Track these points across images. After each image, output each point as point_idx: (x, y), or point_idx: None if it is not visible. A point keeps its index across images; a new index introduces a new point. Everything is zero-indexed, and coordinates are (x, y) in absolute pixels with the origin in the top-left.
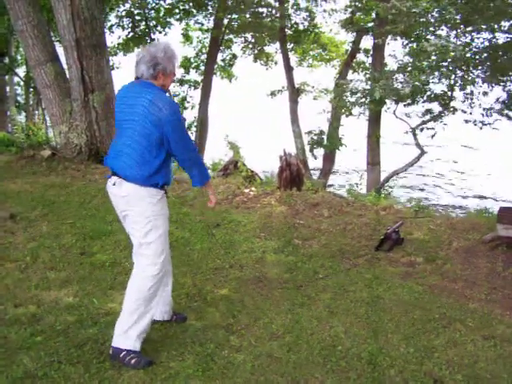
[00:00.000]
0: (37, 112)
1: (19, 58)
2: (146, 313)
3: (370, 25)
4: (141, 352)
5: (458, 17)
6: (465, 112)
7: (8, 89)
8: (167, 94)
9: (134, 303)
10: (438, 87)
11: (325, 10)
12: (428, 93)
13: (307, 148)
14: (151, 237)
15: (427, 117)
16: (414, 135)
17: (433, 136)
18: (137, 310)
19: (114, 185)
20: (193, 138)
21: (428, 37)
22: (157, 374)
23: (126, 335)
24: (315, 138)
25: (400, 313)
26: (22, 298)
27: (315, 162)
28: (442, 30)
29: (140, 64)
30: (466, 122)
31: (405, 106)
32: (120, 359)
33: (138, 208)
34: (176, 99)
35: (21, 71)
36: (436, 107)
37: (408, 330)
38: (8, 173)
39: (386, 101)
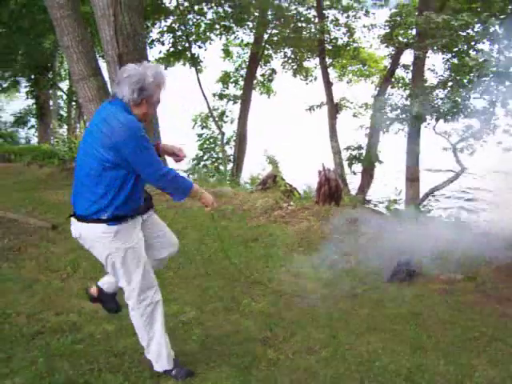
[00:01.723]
0: (78, 125)
1: (62, 72)
2: (152, 338)
3: (410, 40)
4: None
5: (500, 31)
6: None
7: (51, 102)
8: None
9: (141, 330)
10: (479, 103)
11: (364, 26)
12: (469, 109)
13: (345, 163)
14: (120, 275)
15: (467, 133)
16: (454, 152)
17: (472, 153)
18: (144, 335)
19: (75, 228)
20: (231, 152)
21: (470, 51)
22: None
23: (159, 361)
24: (354, 153)
25: (439, 330)
26: (63, 307)
27: (353, 178)
28: (484, 43)
29: (122, 84)
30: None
31: (445, 122)
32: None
33: (95, 250)
34: (215, 113)
35: (64, 85)
36: (476, 124)
37: (447, 348)
38: (50, 184)
39: (426, 117)
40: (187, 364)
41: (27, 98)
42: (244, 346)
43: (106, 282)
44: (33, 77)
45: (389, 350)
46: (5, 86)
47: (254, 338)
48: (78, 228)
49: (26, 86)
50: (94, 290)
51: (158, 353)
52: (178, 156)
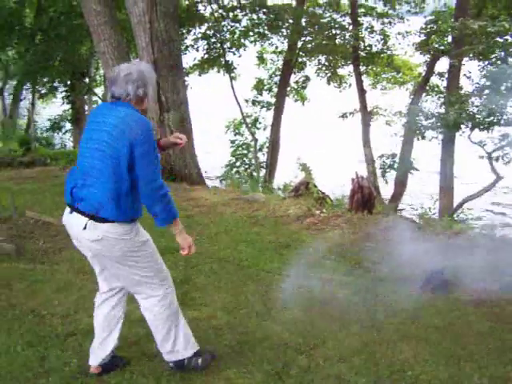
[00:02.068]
0: None
1: (98, 78)
2: (178, 325)
3: (446, 47)
4: (199, 350)
5: None
6: None
7: (86, 108)
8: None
9: (165, 329)
10: None
11: (399, 33)
12: (505, 117)
13: (379, 171)
14: (146, 271)
15: (503, 142)
16: (490, 160)
17: (508, 162)
18: (170, 331)
19: (84, 229)
20: (264, 158)
21: (508, 58)
22: None
23: (175, 351)
24: (387, 161)
25: (473, 341)
26: None
27: (387, 186)
28: None
29: (123, 83)
30: None
31: (480, 130)
32: (187, 367)
33: (113, 252)
34: (248, 120)
35: (99, 91)
36: None
37: (482, 360)
38: None
39: (462, 126)
40: (218, 369)
41: (63, 103)
42: (275, 352)
43: (99, 357)
44: (69, 82)
45: (421, 359)
46: (43, 91)
47: (286, 344)
48: (98, 230)
49: (62, 92)
50: (94, 369)
51: (187, 338)
52: (177, 144)
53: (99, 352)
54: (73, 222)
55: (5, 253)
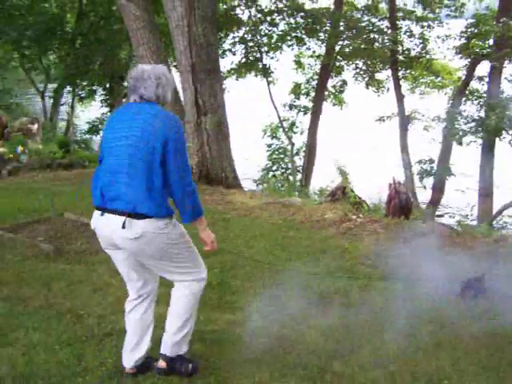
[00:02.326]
0: None
1: None
2: (193, 318)
3: (487, 50)
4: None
5: None
6: None
7: None
8: None
9: (184, 317)
10: None
11: (438, 37)
12: None
13: (416, 177)
14: (186, 260)
15: None
16: None
17: None
18: (187, 321)
19: (123, 227)
20: (300, 162)
21: None
22: None
23: (180, 345)
24: (425, 166)
25: None
26: None
27: (424, 192)
28: None
29: (153, 86)
30: None
31: None
32: (177, 369)
33: (153, 246)
34: (285, 124)
35: None
36: None
37: None
38: None
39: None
40: (252, 372)
41: (102, 106)
42: (310, 357)
43: (133, 360)
44: (108, 86)
45: (458, 369)
46: (82, 95)
47: (321, 349)
48: (137, 227)
49: (101, 95)
50: (129, 370)
51: (190, 333)
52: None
53: (132, 355)
54: (107, 222)
55: (43, 253)
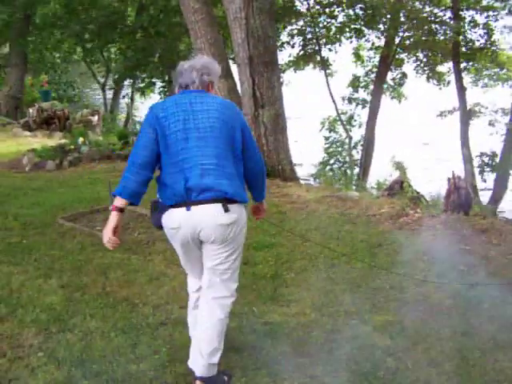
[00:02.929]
0: None
1: None
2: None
3: None
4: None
5: None
6: None
7: None
8: None
9: (220, 336)
10: None
11: (505, 26)
12: None
13: (477, 171)
14: (239, 257)
15: None
16: None
17: None
18: (222, 339)
19: (226, 211)
20: (358, 156)
21: None
22: None
23: (216, 363)
24: (486, 160)
25: None
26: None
27: (486, 188)
28: None
29: (208, 74)
30: None
31: None
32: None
33: (241, 234)
34: (343, 117)
35: None
36: None
37: None
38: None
39: None
40: (305, 366)
41: (160, 98)
42: (363, 352)
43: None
44: (167, 78)
45: None
46: (141, 86)
47: (374, 345)
48: (232, 212)
49: (159, 88)
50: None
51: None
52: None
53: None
54: (201, 213)
55: (101, 242)
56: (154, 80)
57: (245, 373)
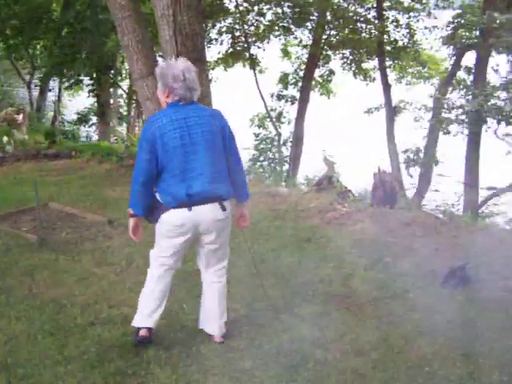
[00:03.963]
0: (137, 123)
1: (123, 72)
2: None
3: (473, 40)
4: None
5: None
6: None
7: (112, 101)
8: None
9: (225, 299)
10: None
11: (425, 27)
12: None
13: (403, 166)
14: (228, 240)
15: None
16: None
17: None
18: (225, 296)
19: (223, 210)
20: (287, 153)
21: None
22: (241, 381)
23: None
24: (411, 156)
25: (493, 338)
26: (116, 300)
27: (411, 181)
28: None
29: (197, 90)
30: None
31: (507, 125)
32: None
33: (230, 222)
34: (273, 114)
35: (124, 84)
36: None
37: (502, 357)
38: (108, 180)
39: (488, 120)
40: (235, 360)
41: (89, 96)
42: (293, 345)
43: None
44: (95, 76)
45: (439, 356)
46: (68, 84)
47: (303, 337)
48: (225, 208)
49: (88, 85)
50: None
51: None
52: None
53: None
54: (202, 212)
55: (28, 243)
56: (81, 78)
57: (175, 370)
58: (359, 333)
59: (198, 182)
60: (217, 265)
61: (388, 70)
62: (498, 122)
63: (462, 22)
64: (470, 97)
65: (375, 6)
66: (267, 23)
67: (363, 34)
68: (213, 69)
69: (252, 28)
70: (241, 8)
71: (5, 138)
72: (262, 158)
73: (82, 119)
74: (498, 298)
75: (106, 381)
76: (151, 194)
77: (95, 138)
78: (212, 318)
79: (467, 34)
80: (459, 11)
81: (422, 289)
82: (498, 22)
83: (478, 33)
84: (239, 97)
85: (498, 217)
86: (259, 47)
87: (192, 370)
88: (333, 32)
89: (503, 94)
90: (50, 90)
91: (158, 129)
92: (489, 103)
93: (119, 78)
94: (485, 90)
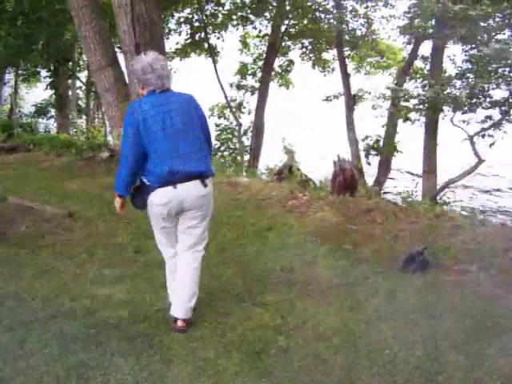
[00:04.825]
0: (97, 115)
1: (81, 63)
2: None
3: (430, 30)
4: None
5: None
6: None
7: (70, 93)
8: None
9: (198, 282)
10: (498, 93)
11: (383, 17)
12: (488, 99)
13: (362, 154)
14: (208, 219)
15: (486, 124)
16: (472, 143)
17: (491, 145)
18: (197, 281)
19: (205, 186)
20: (248, 143)
21: (491, 41)
22: (205, 369)
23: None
24: (371, 143)
25: (450, 320)
26: (78, 293)
27: (371, 169)
28: (504, 34)
29: (168, 77)
30: None
31: (463, 113)
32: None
33: (211, 200)
34: (233, 104)
35: (83, 76)
36: (497, 114)
37: (458, 338)
38: (68, 173)
39: (444, 108)
40: (198, 349)
41: (47, 88)
42: (255, 332)
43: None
44: (53, 67)
45: (399, 338)
46: (25, 75)
47: (266, 325)
48: (207, 185)
49: (45, 77)
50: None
51: None
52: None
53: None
54: (186, 189)
55: None
56: (38, 69)
57: (138, 360)
58: (321, 319)
59: (180, 160)
60: (195, 246)
61: (347, 60)
62: (454, 110)
63: (419, 11)
64: (423, 85)
65: None
66: (226, 12)
67: (322, 24)
68: (171, 59)
69: (211, 18)
70: None
71: None
72: (222, 148)
73: (40, 112)
74: (455, 281)
75: (68, 373)
76: (135, 175)
77: (54, 130)
78: (180, 300)
79: (423, 23)
80: (415, 1)
81: (382, 274)
82: (451, 11)
83: (433, 22)
84: (195, 86)
85: (454, 203)
86: (218, 38)
87: (155, 360)
88: (292, 22)
89: (458, 83)
90: (5, 84)
91: (141, 114)
92: (445, 92)
93: (77, 69)
94: (441, 79)
